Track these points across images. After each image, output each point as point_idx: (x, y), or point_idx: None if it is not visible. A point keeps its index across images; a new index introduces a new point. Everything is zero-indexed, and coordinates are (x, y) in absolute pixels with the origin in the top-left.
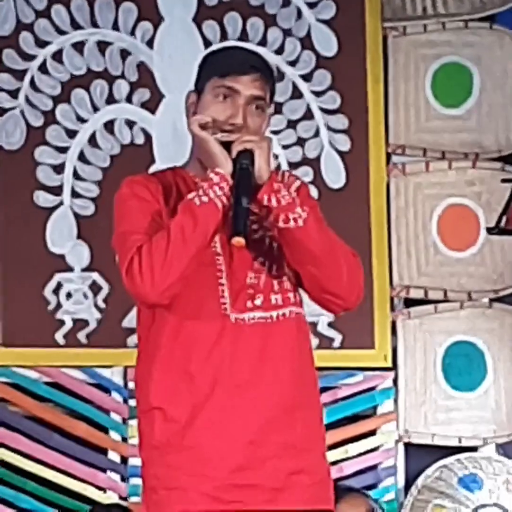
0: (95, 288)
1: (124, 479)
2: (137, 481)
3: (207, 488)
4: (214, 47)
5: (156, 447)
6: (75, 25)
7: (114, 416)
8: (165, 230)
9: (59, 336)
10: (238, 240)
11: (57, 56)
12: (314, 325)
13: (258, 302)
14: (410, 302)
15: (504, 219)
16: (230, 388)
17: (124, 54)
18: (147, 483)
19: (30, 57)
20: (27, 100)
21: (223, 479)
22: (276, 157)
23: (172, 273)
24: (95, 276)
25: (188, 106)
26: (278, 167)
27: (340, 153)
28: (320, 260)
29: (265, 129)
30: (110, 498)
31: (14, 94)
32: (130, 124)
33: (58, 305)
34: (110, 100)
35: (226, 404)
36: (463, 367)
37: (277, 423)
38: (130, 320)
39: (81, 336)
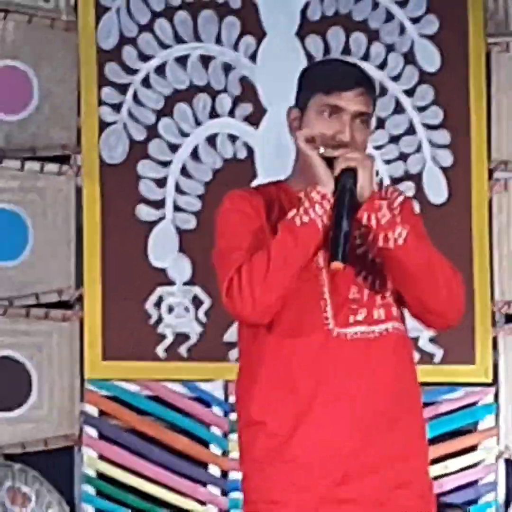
0: (196, 302)
1: (224, 493)
2: (237, 495)
3: (307, 502)
4: (313, 62)
5: (257, 460)
6: (178, 39)
7: (215, 429)
8: (265, 249)
9: (160, 350)
10: (337, 266)
11: (160, 70)
12: (415, 340)
13: (360, 317)
14: (511, 318)
15: None
16: (330, 402)
17: (227, 68)
18: (248, 497)
19: (133, 71)
20: (130, 114)
21: (324, 493)
22: (377, 173)
23: (273, 293)
24: (197, 290)
25: (290, 121)
26: (381, 182)
27: (443, 169)
28: (417, 278)
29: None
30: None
31: (117, 108)
32: (233, 138)
33: (160, 319)
34: (213, 114)
35: (326, 418)
36: None
37: (376, 437)
38: (231, 334)
39: (182, 350)
